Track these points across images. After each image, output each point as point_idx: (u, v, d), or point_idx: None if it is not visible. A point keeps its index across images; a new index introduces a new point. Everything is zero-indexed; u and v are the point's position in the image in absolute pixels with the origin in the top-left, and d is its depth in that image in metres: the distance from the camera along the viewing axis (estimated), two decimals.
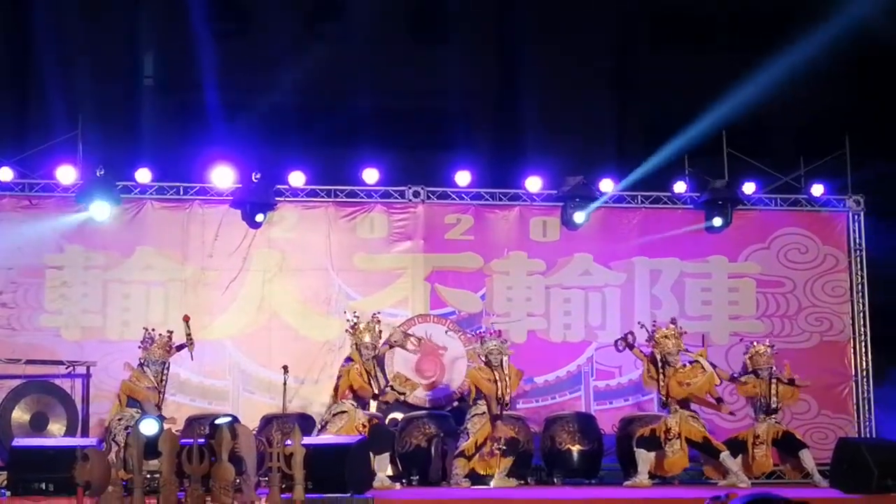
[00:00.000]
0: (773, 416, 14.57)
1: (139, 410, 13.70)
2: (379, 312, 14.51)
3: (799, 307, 17.09)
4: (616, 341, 14.67)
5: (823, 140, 17.68)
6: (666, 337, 14.26)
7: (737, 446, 14.47)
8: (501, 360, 14.13)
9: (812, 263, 17.21)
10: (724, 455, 14.08)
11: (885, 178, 17.62)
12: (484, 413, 13.96)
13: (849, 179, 17.20)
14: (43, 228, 16.02)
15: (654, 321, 14.86)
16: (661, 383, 14.19)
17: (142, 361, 14.03)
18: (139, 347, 14.11)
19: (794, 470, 14.73)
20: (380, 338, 14.14)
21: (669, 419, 14.11)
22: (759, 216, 17.27)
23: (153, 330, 14.17)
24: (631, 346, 14.43)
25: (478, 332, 15.39)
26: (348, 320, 14.10)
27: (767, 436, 14.50)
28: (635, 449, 14.24)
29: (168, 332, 14.21)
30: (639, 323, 14.83)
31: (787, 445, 14.62)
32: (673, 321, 14.62)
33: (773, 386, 14.54)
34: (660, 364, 14.21)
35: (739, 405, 15.60)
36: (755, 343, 15.01)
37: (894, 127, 20.04)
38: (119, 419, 13.74)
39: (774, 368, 14.63)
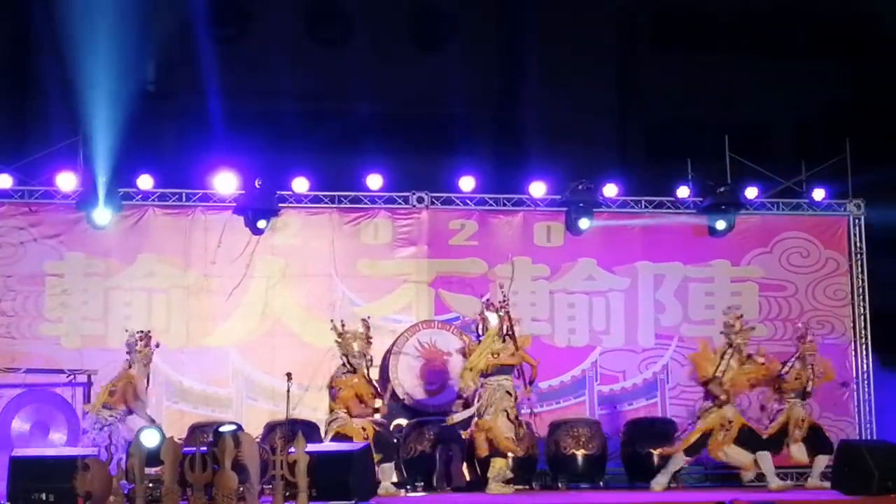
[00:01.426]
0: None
1: (113, 414, 13.67)
2: (379, 318, 14.46)
3: (801, 311, 17.12)
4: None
5: (824, 144, 17.69)
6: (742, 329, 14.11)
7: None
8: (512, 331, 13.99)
9: (814, 267, 17.27)
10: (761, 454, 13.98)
11: (886, 182, 17.61)
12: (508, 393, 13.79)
13: (849, 183, 17.22)
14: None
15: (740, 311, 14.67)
16: (720, 372, 13.89)
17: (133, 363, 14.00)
18: (127, 353, 14.03)
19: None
20: (368, 344, 13.89)
21: (727, 410, 13.86)
22: (761, 220, 17.28)
23: (140, 332, 14.10)
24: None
25: (483, 300, 14.99)
26: (333, 329, 13.87)
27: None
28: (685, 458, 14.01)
29: (147, 331, 14.17)
30: (724, 312, 14.69)
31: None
32: (739, 316, 14.45)
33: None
34: (729, 356, 13.94)
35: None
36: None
37: (895, 130, 20.04)
38: (100, 427, 13.67)
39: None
